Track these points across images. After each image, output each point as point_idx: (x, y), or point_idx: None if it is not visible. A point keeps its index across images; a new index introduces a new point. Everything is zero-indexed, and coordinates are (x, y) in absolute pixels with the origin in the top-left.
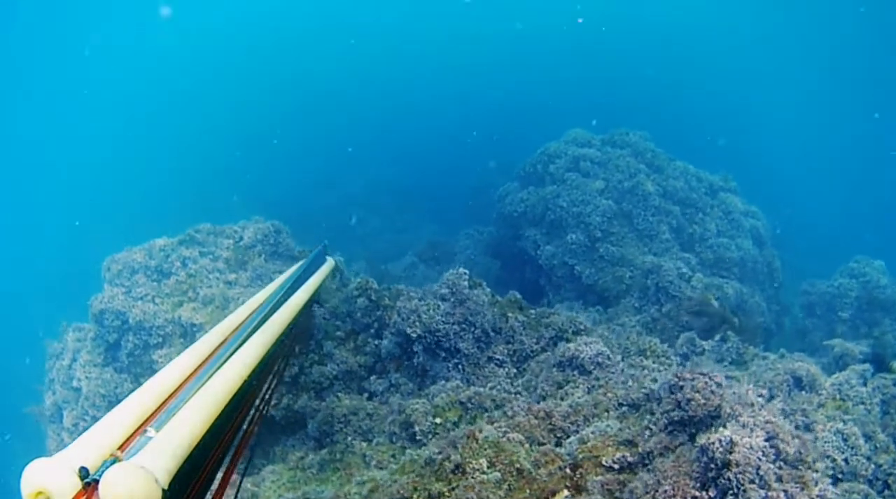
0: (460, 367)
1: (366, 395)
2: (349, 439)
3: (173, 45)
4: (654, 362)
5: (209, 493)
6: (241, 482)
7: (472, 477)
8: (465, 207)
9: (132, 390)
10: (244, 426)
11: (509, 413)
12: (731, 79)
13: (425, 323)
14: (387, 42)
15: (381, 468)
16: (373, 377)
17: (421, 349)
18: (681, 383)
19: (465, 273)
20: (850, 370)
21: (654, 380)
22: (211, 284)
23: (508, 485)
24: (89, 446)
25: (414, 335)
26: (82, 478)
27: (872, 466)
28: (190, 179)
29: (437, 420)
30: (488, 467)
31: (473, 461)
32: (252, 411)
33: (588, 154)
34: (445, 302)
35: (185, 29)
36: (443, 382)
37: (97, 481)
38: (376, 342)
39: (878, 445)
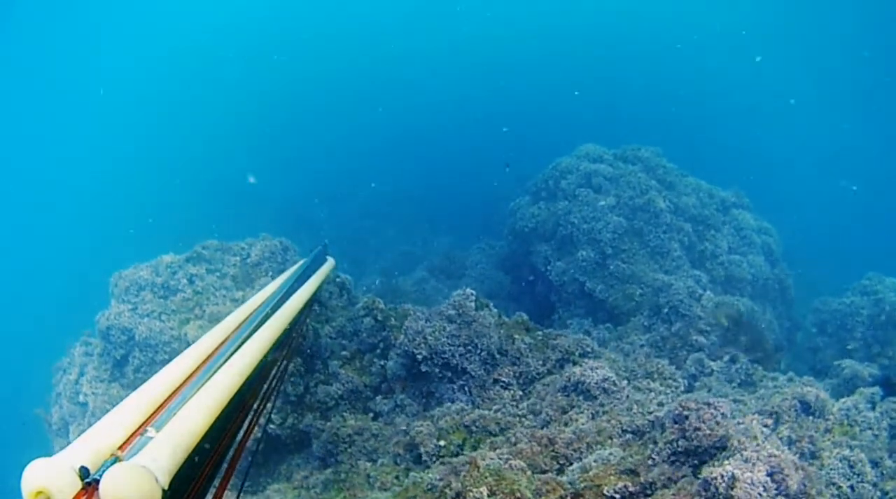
0: (466, 388)
1: (371, 415)
2: (354, 459)
3: (178, 47)
4: (661, 385)
5: (209, 493)
6: (243, 484)
7: None
8: (482, 218)
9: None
10: (245, 426)
11: (512, 440)
12: (740, 86)
13: (431, 345)
14: (394, 47)
15: (384, 490)
16: (378, 397)
17: (426, 370)
18: (685, 413)
19: (471, 294)
20: (859, 394)
21: (661, 404)
22: (217, 301)
23: None
24: (89, 446)
25: (420, 356)
26: (82, 478)
27: (878, 493)
28: (198, 190)
29: (442, 443)
30: (489, 496)
31: (474, 490)
32: (253, 411)
33: (600, 170)
34: (452, 324)
35: (185, 35)
36: (448, 404)
37: (97, 481)
38: (382, 363)
39: (884, 471)
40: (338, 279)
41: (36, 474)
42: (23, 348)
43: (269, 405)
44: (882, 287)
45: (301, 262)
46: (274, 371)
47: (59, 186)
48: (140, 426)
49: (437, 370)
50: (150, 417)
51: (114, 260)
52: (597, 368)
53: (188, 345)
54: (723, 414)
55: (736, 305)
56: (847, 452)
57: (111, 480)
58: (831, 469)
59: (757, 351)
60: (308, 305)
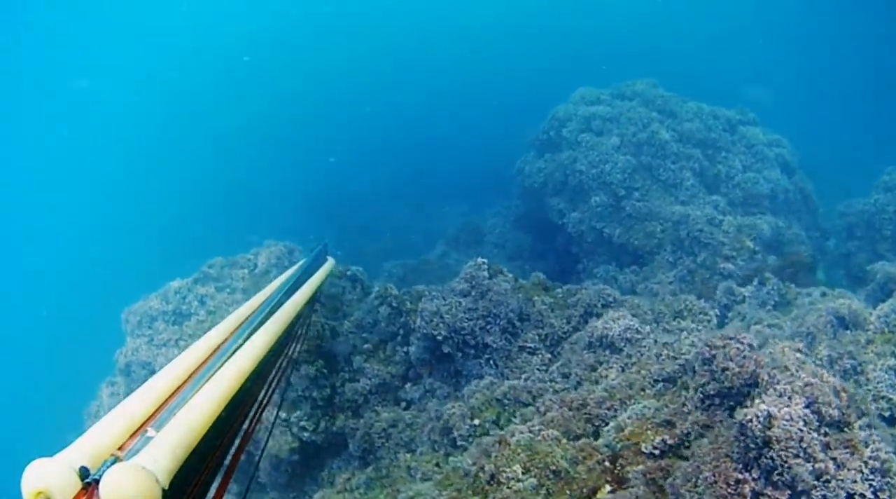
0: (492, 361)
1: (403, 404)
2: (392, 452)
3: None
4: (692, 322)
5: (210, 493)
6: (248, 486)
7: (508, 486)
8: (493, 180)
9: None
10: (245, 426)
11: (542, 409)
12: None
13: (449, 323)
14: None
15: (426, 480)
16: (407, 385)
17: (450, 350)
18: (712, 352)
19: (483, 263)
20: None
21: (693, 344)
22: None
23: (546, 489)
24: (89, 446)
25: (440, 337)
26: (82, 478)
27: None
28: (205, 193)
29: (476, 422)
30: (523, 474)
31: (507, 469)
32: (254, 411)
33: (598, 112)
34: (466, 298)
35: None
36: (476, 381)
37: (97, 481)
38: (405, 349)
39: None
40: (349, 273)
41: (36, 474)
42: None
43: (269, 406)
44: None
45: (301, 262)
46: (274, 371)
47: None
48: (140, 426)
49: (460, 348)
50: (150, 417)
51: (124, 289)
52: (618, 319)
53: None
54: (749, 345)
55: (758, 224)
56: (892, 361)
57: (111, 480)
58: (878, 382)
59: (790, 267)
60: (309, 304)
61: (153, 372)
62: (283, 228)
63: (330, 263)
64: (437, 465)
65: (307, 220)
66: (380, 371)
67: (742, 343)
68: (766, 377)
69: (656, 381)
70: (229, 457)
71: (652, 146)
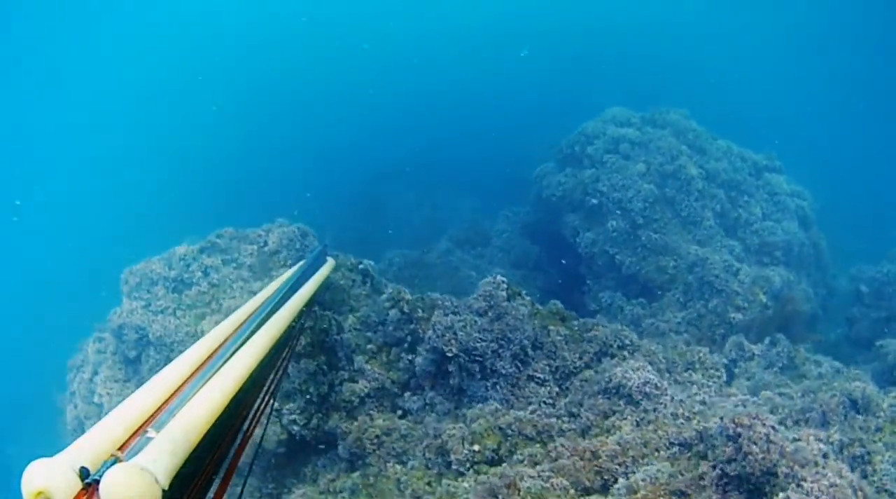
0: (499, 386)
1: (399, 412)
2: (382, 461)
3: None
4: (702, 377)
5: (210, 493)
6: (244, 484)
7: None
8: (505, 179)
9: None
10: (245, 427)
11: (553, 454)
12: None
13: (462, 341)
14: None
15: (416, 498)
16: (407, 394)
17: (457, 368)
18: (737, 431)
19: (502, 282)
20: None
21: (704, 402)
22: (234, 294)
23: None
24: (89, 447)
25: (450, 354)
26: (83, 478)
27: None
28: (211, 173)
29: (475, 447)
30: None
31: None
32: (253, 411)
33: (628, 135)
34: (482, 317)
35: (190, 23)
36: (480, 405)
37: (97, 482)
38: (410, 357)
39: None
40: (360, 266)
41: (36, 474)
42: (37, 343)
43: (270, 406)
44: None
45: (300, 263)
46: (274, 372)
47: (67, 172)
48: (140, 427)
49: (468, 367)
50: (150, 417)
51: (127, 248)
52: (638, 370)
53: None
54: (773, 428)
55: (772, 277)
56: None
57: (111, 480)
58: (884, 475)
59: (794, 325)
60: (308, 305)
61: (145, 337)
62: (286, 205)
63: (330, 263)
64: (429, 484)
65: (314, 200)
66: (380, 375)
67: (766, 426)
68: (789, 470)
69: (672, 444)
70: (229, 457)
71: (678, 180)
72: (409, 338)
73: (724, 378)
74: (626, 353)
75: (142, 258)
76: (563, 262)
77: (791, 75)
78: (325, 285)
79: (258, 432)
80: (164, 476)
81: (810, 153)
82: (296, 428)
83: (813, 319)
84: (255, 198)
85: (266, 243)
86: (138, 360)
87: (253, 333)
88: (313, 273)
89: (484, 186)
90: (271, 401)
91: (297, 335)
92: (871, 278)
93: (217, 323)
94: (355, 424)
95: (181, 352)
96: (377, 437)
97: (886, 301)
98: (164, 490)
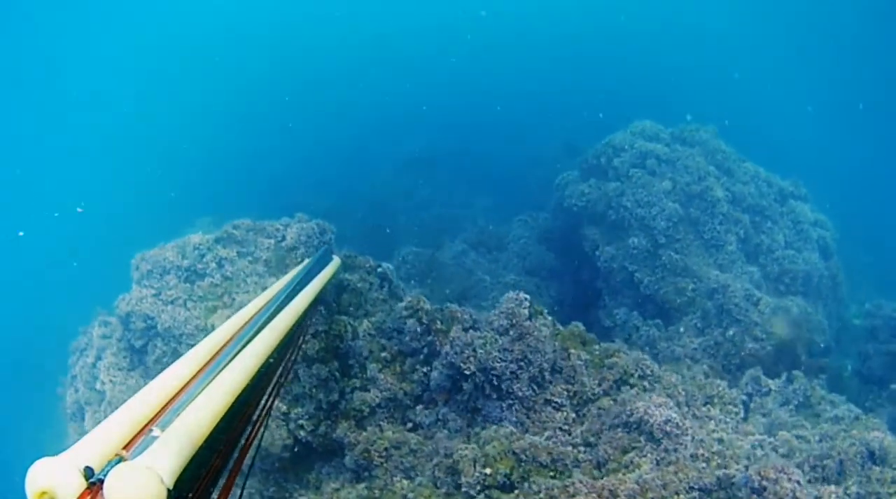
0: (514, 408)
1: (410, 424)
2: (390, 475)
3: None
4: (720, 412)
5: (214, 492)
6: (244, 484)
7: None
8: (524, 182)
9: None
10: (249, 426)
11: (570, 490)
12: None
13: (480, 359)
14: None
15: None
16: (419, 407)
17: (473, 387)
18: (763, 484)
19: (525, 300)
20: None
21: (721, 440)
22: (248, 289)
23: None
24: (94, 446)
25: (467, 372)
26: (87, 478)
27: None
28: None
29: (487, 471)
30: None
31: None
32: (258, 411)
33: (656, 150)
34: (503, 336)
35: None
36: (494, 427)
37: (102, 481)
38: (425, 370)
39: None
40: (379, 269)
41: (40, 473)
42: (44, 324)
43: (273, 406)
44: None
45: (305, 262)
46: (279, 372)
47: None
48: (145, 426)
49: (484, 387)
50: (154, 416)
51: (141, 232)
52: (660, 406)
53: None
54: (798, 482)
55: (791, 308)
56: None
57: (115, 480)
58: None
59: (807, 357)
60: (313, 305)
61: (153, 327)
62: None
63: (335, 262)
64: None
65: (328, 189)
66: (393, 385)
67: (793, 482)
68: None
69: (692, 488)
70: (234, 457)
71: (704, 201)
72: (425, 349)
73: (742, 416)
74: (646, 383)
75: (155, 244)
76: (579, 273)
77: (825, 99)
78: (333, 284)
79: (261, 431)
80: (169, 475)
81: (836, 175)
82: (302, 433)
83: (825, 351)
84: (272, 190)
85: (284, 238)
86: (144, 350)
87: (258, 332)
88: (318, 272)
89: (500, 183)
90: (275, 401)
91: (303, 335)
92: (889, 316)
93: (228, 318)
94: (364, 434)
95: (189, 345)
96: (386, 449)
97: None
98: (168, 490)
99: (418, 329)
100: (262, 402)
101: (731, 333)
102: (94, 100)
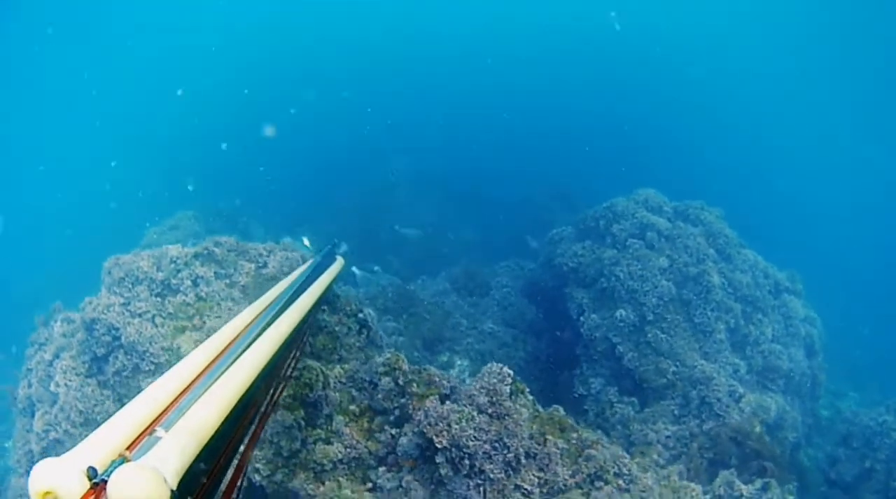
0: (482, 489)
1: (369, 484)
2: None
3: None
4: None
5: (218, 493)
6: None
7: None
8: (508, 212)
9: (113, 412)
10: (253, 426)
11: None
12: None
13: (454, 435)
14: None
15: None
16: (381, 469)
17: (443, 460)
18: None
19: (508, 375)
20: None
21: None
22: (221, 313)
23: None
24: (97, 446)
25: (439, 445)
26: (90, 478)
27: None
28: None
29: None
30: None
31: None
32: (262, 410)
33: (658, 224)
34: (481, 414)
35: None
36: None
37: (105, 481)
38: (394, 431)
39: None
40: (360, 314)
41: (44, 474)
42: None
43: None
44: None
45: (310, 260)
46: (284, 370)
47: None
48: (149, 426)
49: (454, 462)
50: (158, 416)
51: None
52: None
53: (178, 360)
54: None
55: (770, 406)
56: None
57: (119, 480)
58: None
59: (776, 453)
60: (318, 304)
61: (117, 339)
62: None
63: (339, 262)
64: None
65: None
66: (358, 443)
67: None
68: None
69: None
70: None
71: (699, 285)
72: (397, 411)
73: None
74: (621, 481)
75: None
76: (559, 334)
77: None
78: (336, 281)
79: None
80: (173, 476)
81: (838, 265)
82: (257, 477)
83: (795, 447)
84: (267, 193)
85: (266, 265)
86: (105, 359)
87: (262, 332)
88: (323, 271)
89: (489, 217)
90: (279, 400)
91: (308, 334)
92: (865, 425)
93: (196, 342)
94: (322, 488)
95: (152, 363)
96: None
97: (873, 451)
98: (172, 490)
99: (393, 389)
100: (266, 401)
101: (707, 426)
102: (101, 95)
